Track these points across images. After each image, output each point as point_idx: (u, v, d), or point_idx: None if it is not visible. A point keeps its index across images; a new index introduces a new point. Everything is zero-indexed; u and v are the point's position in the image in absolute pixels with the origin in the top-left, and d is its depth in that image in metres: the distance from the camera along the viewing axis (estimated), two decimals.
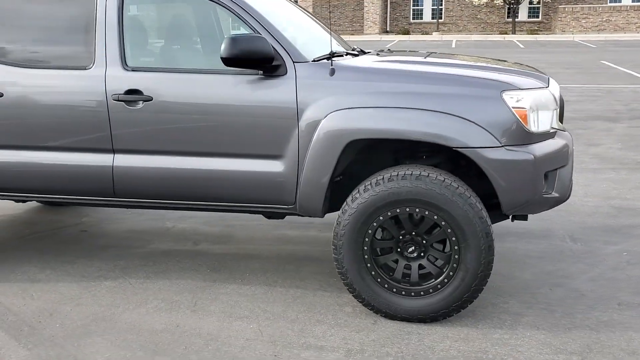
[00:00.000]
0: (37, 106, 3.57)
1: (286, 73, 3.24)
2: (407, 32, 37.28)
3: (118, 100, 3.41)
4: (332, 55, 3.32)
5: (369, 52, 4.07)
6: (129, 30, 3.50)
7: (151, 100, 3.38)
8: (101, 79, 3.45)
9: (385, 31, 38.50)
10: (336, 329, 3.20)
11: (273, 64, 3.21)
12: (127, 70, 3.44)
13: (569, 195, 3.34)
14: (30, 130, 3.61)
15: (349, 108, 3.14)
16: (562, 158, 3.22)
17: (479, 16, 37.76)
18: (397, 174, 3.08)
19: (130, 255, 4.22)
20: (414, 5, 38.88)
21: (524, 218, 3.50)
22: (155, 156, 3.46)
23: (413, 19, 39.05)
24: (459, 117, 3.03)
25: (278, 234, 4.62)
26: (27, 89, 3.59)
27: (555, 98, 3.28)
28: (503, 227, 4.38)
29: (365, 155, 3.41)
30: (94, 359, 2.94)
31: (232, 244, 4.45)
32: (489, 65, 3.70)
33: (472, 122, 3.03)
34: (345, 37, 20.35)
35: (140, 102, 3.39)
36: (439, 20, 37.47)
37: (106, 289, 3.69)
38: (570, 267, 3.91)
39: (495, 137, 3.02)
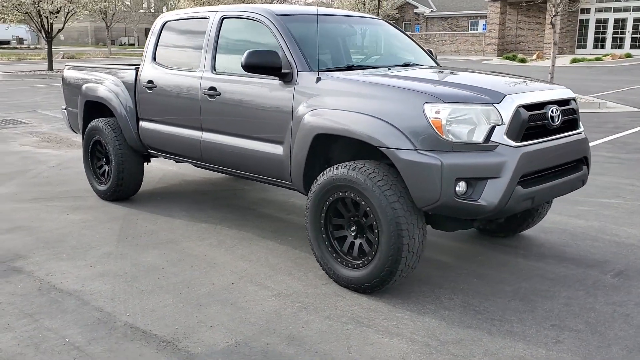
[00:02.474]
0: (170, 94, 5.23)
1: (291, 80, 4.20)
2: None
3: (204, 94, 4.83)
4: (334, 69, 4.15)
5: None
6: (220, 48, 4.87)
7: (220, 95, 4.71)
8: (199, 78, 4.92)
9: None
10: (294, 280, 4.04)
11: (284, 71, 4.21)
12: (214, 73, 4.83)
13: (507, 207, 3.51)
14: (165, 110, 5.30)
15: (321, 108, 3.94)
16: (488, 170, 3.45)
17: None
18: (343, 165, 3.79)
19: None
20: None
21: (464, 226, 3.84)
22: (219, 135, 4.78)
23: None
24: (386, 122, 3.58)
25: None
26: (167, 82, 5.28)
27: (501, 115, 3.50)
28: (559, 250, 4.56)
29: (345, 149, 4.14)
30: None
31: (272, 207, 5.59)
32: (450, 80, 3.99)
33: (395, 127, 3.54)
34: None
35: (215, 96, 4.75)
36: None
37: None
38: (582, 295, 3.92)
39: (411, 142, 3.49)
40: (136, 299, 3.74)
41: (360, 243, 3.84)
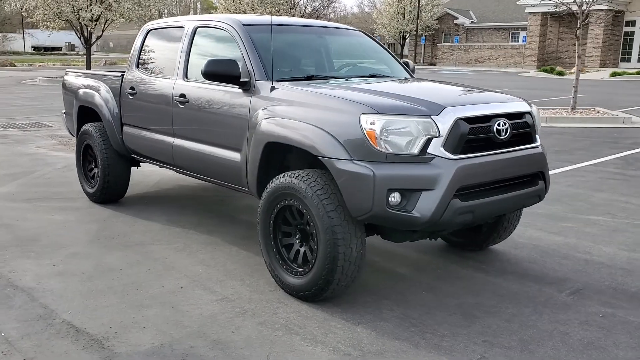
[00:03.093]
0: (148, 100, 5.37)
1: (249, 89, 4.27)
2: None
3: (176, 100, 4.95)
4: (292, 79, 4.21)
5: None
6: (192, 56, 4.98)
7: (188, 102, 4.82)
8: (172, 85, 5.03)
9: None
10: (243, 286, 4.09)
11: (242, 80, 4.28)
12: (185, 80, 4.94)
13: (443, 220, 3.49)
14: (144, 116, 5.43)
15: (272, 117, 4.00)
16: (422, 182, 3.44)
17: None
18: (289, 173, 3.83)
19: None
20: None
21: (411, 238, 3.82)
22: (187, 141, 4.89)
23: None
24: (326, 131, 3.61)
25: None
26: (146, 89, 5.42)
27: (438, 127, 3.49)
28: (522, 266, 4.46)
29: (300, 158, 4.18)
30: None
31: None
32: (395, 91, 3.96)
33: (334, 136, 3.57)
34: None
35: (185, 102, 4.86)
36: None
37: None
38: (526, 312, 3.86)
39: (347, 152, 3.51)
40: (83, 298, 3.85)
41: (304, 251, 3.87)
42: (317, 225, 3.61)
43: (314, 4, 51.16)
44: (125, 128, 5.71)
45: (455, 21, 52.37)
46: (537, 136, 4.10)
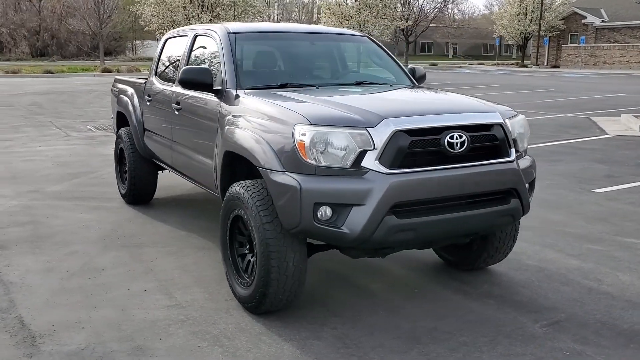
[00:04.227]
0: (158, 106, 5.55)
1: (221, 97, 4.28)
2: None
3: (174, 107, 5.07)
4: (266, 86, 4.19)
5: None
6: (190, 64, 5.08)
7: (181, 108, 4.92)
8: (173, 92, 5.17)
9: None
10: (204, 293, 4.10)
11: (215, 88, 4.30)
12: (182, 88, 5.06)
13: (376, 238, 3.29)
14: (156, 121, 5.63)
15: (232, 125, 3.98)
16: (351, 196, 3.25)
17: None
18: (239, 182, 3.79)
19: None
20: None
21: (367, 255, 3.67)
22: (180, 146, 5.00)
23: None
24: (266, 141, 3.53)
25: None
26: (158, 95, 5.60)
27: (373, 140, 3.29)
28: (512, 290, 4.15)
29: None
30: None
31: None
32: (342, 101, 3.75)
33: (272, 147, 3.48)
34: None
35: (179, 109, 4.97)
36: None
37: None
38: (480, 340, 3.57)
39: (281, 163, 3.41)
40: (50, 295, 4.06)
41: (252, 262, 3.81)
42: (254, 237, 3.55)
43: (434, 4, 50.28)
44: (146, 133, 5.95)
45: (583, 21, 49.11)
46: (512, 150, 3.73)
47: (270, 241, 3.46)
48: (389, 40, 38.29)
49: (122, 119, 6.75)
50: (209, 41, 4.82)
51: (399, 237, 3.38)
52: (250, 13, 24.82)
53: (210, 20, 23.50)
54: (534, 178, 4.02)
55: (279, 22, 55.53)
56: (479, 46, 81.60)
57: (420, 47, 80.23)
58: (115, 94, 6.99)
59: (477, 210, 3.58)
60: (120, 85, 6.83)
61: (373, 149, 3.30)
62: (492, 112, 3.73)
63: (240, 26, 4.80)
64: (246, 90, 4.14)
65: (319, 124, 3.35)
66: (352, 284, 4.34)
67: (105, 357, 3.26)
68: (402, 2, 48.82)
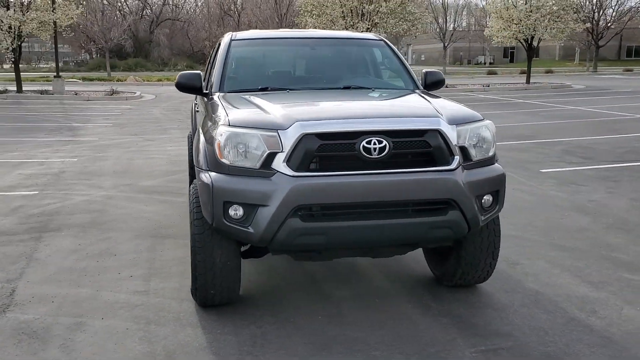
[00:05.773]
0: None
1: (207, 100, 4.52)
2: None
3: (197, 111, 5.44)
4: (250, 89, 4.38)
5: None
6: (212, 70, 5.39)
7: (198, 112, 5.27)
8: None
9: None
10: (180, 284, 4.39)
11: (204, 92, 4.57)
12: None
13: (279, 239, 3.29)
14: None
15: (204, 126, 4.20)
16: (257, 197, 3.29)
17: None
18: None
19: None
20: None
21: (256, 254, 3.77)
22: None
23: None
24: (206, 140, 3.71)
25: None
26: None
27: (282, 142, 3.30)
28: (481, 313, 3.92)
29: None
30: None
31: None
32: (279, 103, 3.78)
33: (206, 147, 3.65)
34: None
35: (197, 108, 5.32)
36: None
37: None
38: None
39: (207, 161, 3.56)
40: (55, 272, 4.61)
41: None
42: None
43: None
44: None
45: None
46: (453, 158, 3.45)
47: (196, 237, 3.63)
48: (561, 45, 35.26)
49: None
50: (221, 47, 5.12)
51: (305, 240, 3.36)
52: (408, 19, 24.78)
53: (368, 28, 23.92)
54: (498, 190, 3.68)
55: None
56: None
57: (626, 52, 72.66)
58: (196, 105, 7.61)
59: (402, 220, 3.41)
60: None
61: (282, 151, 3.32)
62: (429, 118, 3.51)
63: (244, 34, 5.03)
64: (222, 94, 4.35)
65: (235, 125, 3.46)
66: (319, 288, 4.32)
67: (45, 328, 3.68)
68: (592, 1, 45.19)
